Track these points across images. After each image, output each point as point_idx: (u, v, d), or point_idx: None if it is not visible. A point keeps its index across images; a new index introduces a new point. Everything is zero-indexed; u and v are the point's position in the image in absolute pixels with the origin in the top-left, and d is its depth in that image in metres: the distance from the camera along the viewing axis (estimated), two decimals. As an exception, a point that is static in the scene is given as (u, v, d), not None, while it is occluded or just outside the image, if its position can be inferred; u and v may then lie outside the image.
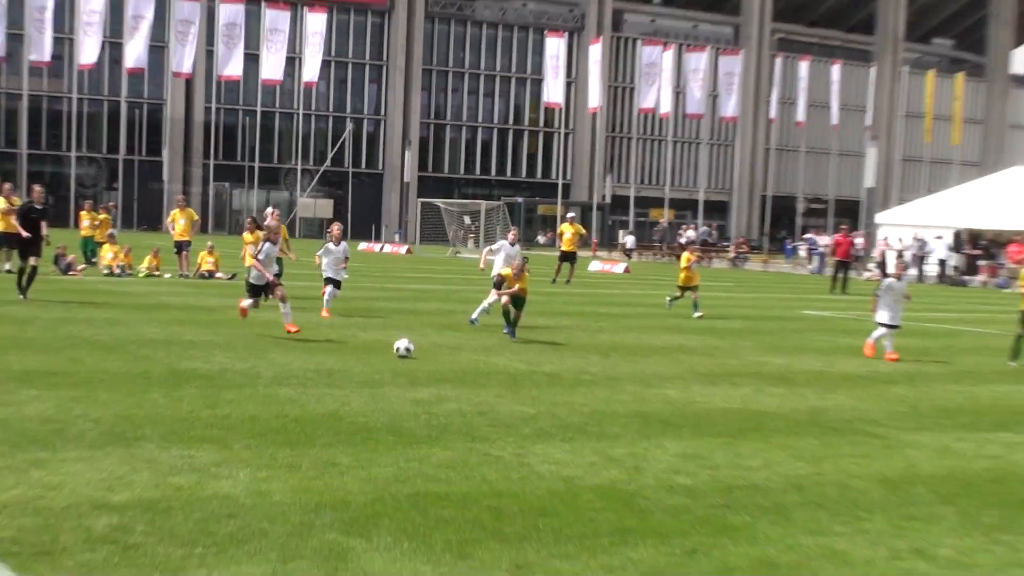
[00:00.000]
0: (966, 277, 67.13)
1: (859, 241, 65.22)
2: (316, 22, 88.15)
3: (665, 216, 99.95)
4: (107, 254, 39.54)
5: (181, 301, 29.75)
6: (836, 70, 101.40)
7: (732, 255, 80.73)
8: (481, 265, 30.05)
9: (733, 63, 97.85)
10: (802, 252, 79.48)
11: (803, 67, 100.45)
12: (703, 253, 38.57)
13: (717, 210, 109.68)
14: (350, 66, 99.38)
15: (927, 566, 9.35)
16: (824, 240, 73.50)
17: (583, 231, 52.85)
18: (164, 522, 9.40)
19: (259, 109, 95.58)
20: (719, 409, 16.77)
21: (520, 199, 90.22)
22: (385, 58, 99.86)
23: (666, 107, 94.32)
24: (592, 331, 26.48)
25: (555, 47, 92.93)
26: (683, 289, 32.14)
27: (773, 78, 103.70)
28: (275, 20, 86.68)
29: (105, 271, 38.53)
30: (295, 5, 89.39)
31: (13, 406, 14.07)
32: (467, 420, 14.69)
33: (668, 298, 33.18)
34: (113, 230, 42.36)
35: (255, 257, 23.01)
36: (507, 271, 23.45)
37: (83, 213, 43.70)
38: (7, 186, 38.99)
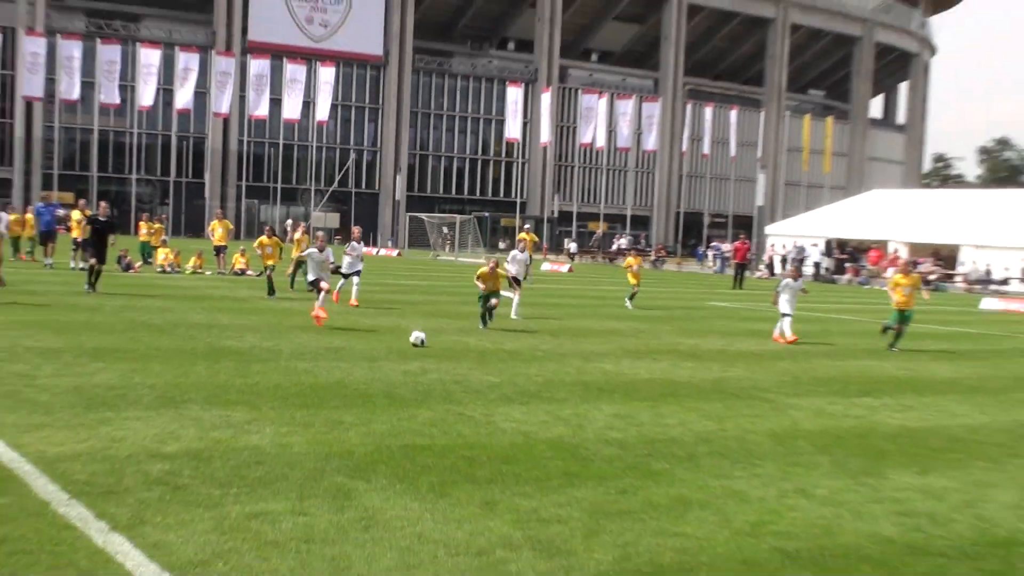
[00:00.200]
0: (835, 276, 67.35)
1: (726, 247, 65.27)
2: (326, 74, 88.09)
3: (600, 227, 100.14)
4: (160, 255, 39.53)
5: (219, 293, 29.61)
6: (734, 114, 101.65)
7: (653, 258, 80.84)
8: (512, 272, 28.65)
9: (653, 108, 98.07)
10: (710, 256, 79.48)
11: (708, 112, 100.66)
12: (641, 256, 38.00)
13: (641, 223, 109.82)
14: (353, 109, 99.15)
15: (807, 502, 9.35)
16: (726, 247, 73.63)
17: (536, 239, 52.88)
18: (206, 468, 9.35)
19: (281, 142, 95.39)
20: (643, 379, 16.76)
21: (487, 214, 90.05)
22: (381, 102, 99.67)
23: (601, 142, 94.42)
24: (544, 318, 26.45)
25: (514, 95, 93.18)
26: (634, 286, 31.72)
27: (684, 120, 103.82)
28: (294, 72, 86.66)
29: (158, 269, 38.43)
30: (309, 60, 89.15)
31: (85, 376, 13.99)
32: (446, 387, 14.66)
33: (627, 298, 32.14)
34: (165, 236, 42.20)
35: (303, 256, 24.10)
36: (484, 270, 23.00)
37: (141, 223, 43.74)
38: (81, 202, 39.12)
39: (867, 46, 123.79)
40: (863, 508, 9.25)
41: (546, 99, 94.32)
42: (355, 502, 8.51)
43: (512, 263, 27.92)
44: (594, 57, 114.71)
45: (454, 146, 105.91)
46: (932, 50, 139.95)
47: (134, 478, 8.89)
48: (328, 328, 21.68)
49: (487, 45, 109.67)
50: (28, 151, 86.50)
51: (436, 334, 21.47)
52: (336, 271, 26.12)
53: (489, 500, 8.80)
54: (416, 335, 19.09)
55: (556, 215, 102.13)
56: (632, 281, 31.62)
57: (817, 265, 68.14)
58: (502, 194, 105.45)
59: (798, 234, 75.43)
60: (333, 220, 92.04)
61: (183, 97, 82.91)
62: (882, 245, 68.24)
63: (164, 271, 38.13)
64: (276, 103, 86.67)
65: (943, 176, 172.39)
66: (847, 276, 66.47)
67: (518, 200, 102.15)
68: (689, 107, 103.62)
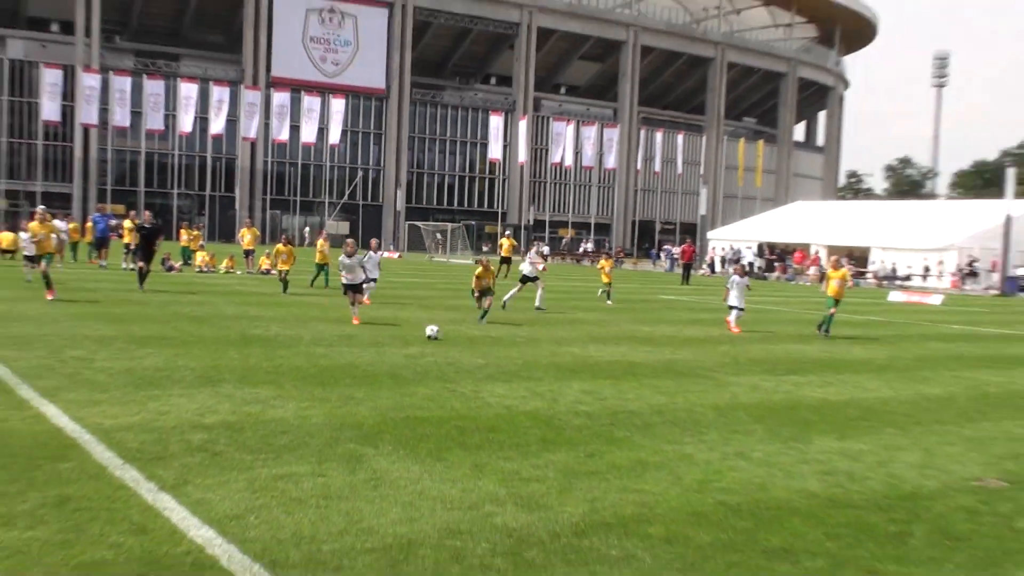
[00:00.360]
0: (767, 274, 67.54)
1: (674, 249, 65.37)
2: (337, 104, 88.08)
3: (569, 233, 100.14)
4: (198, 258, 39.48)
5: (248, 290, 29.52)
6: (680, 138, 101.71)
7: (614, 259, 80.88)
8: (525, 272, 27.77)
9: (612, 133, 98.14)
10: (662, 256, 79.34)
11: (658, 136, 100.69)
12: (612, 259, 37.83)
13: (603, 229, 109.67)
14: (360, 134, 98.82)
15: (746, 463, 9.36)
16: (675, 249, 73.71)
17: (515, 243, 52.84)
18: (239, 437, 9.33)
19: (300, 162, 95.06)
20: (607, 361, 16.76)
21: (473, 222, 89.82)
22: (383, 128, 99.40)
23: (569, 161, 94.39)
24: (522, 310, 26.44)
25: (496, 122, 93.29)
26: (608, 283, 31.31)
27: (639, 143, 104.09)
28: (311, 103, 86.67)
29: (197, 270, 38.33)
30: (323, 93, 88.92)
31: (136, 360, 13.93)
32: (441, 369, 14.63)
33: (600, 291, 31.80)
34: (203, 242, 42.11)
35: (339, 270, 22.03)
36: (479, 270, 22.66)
37: (182, 231, 43.63)
38: (132, 213, 39.17)
39: (791, 81, 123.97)
40: (793, 468, 9.27)
41: (523, 126, 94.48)
42: (365, 465, 8.50)
43: (526, 262, 27.93)
44: (563, 90, 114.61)
45: (445, 165, 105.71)
46: (845, 84, 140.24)
47: (178, 446, 8.88)
48: (339, 319, 21.64)
49: (473, 80, 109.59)
50: (85, 170, 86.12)
51: (432, 323, 21.44)
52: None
53: (478, 463, 8.79)
54: (431, 328, 18.67)
55: (531, 223, 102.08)
56: (605, 280, 31.47)
57: (751, 264, 68.32)
58: (486, 205, 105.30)
59: (735, 238, 75.68)
60: (344, 228, 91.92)
61: (217, 124, 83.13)
62: (805, 247, 68.48)
63: (201, 271, 38.04)
64: (295, 129, 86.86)
65: (855, 190, 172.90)
66: (776, 273, 66.68)
67: (499, 210, 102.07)
68: (643, 132, 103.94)
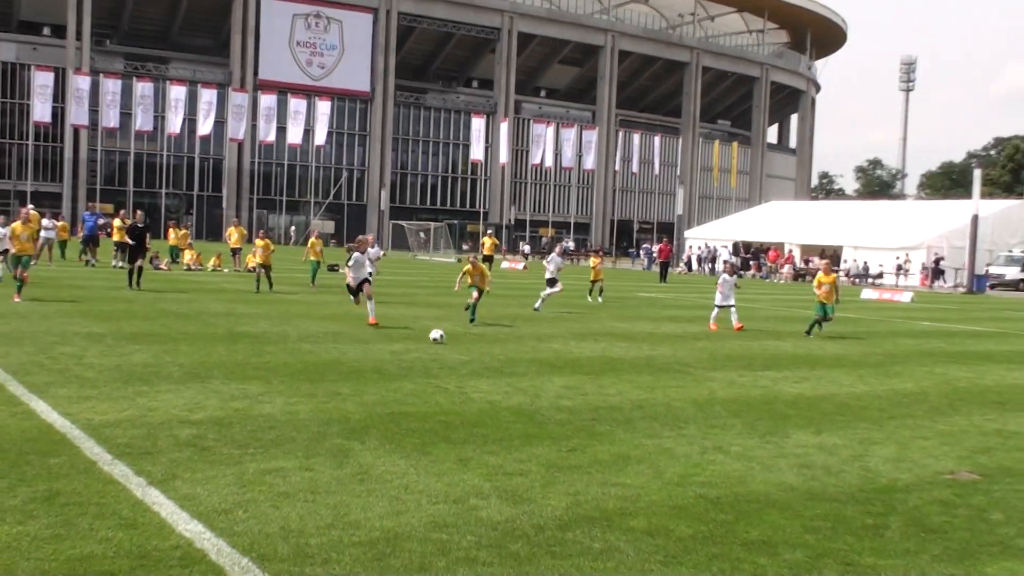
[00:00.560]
0: (741, 272, 67.64)
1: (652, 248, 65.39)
2: (324, 107, 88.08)
3: (549, 232, 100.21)
4: (186, 256, 39.28)
5: (235, 287, 29.36)
6: (657, 140, 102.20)
7: (602, 258, 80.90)
8: (547, 275, 26.93)
9: (591, 135, 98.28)
10: (643, 255, 79.26)
11: (636, 138, 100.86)
12: (600, 257, 36.73)
13: (582, 229, 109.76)
14: (345, 135, 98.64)
15: (725, 457, 9.32)
16: (653, 248, 73.84)
17: (497, 242, 52.91)
18: (227, 432, 9.24)
19: (286, 162, 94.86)
20: (587, 356, 16.72)
21: (456, 221, 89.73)
22: (368, 130, 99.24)
23: (549, 162, 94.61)
24: (503, 306, 26.39)
25: (478, 124, 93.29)
26: (593, 282, 30.59)
27: (617, 145, 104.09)
28: (297, 105, 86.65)
29: (184, 268, 38.15)
30: (309, 96, 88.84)
31: (124, 356, 13.82)
32: (425, 364, 14.57)
33: (591, 290, 30.92)
34: (191, 240, 41.93)
35: (347, 264, 20.69)
36: (467, 267, 21.74)
37: (170, 229, 43.44)
38: (121, 212, 38.82)
39: (764, 85, 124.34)
40: (770, 462, 9.24)
41: (504, 128, 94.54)
42: (352, 459, 8.43)
43: (551, 263, 27.50)
44: (543, 93, 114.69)
45: (428, 166, 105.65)
46: (817, 87, 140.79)
47: (167, 441, 8.78)
48: (326, 316, 21.54)
49: (455, 84, 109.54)
50: (75, 170, 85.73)
51: (415, 320, 21.37)
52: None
53: (463, 457, 8.73)
54: (436, 332, 17.54)
55: (513, 222, 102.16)
56: (593, 277, 30.80)
57: (725, 263, 68.36)
58: (468, 205, 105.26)
59: (711, 237, 75.85)
60: (329, 227, 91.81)
61: (205, 126, 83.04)
62: (779, 246, 68.68)
63: (189, 269, 37.88)
64: (282, 130, 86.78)
65: (827, 190, 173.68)
66: (751, 272, 66.79)
67: (481, 210, 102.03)
68: (620, 134, 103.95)
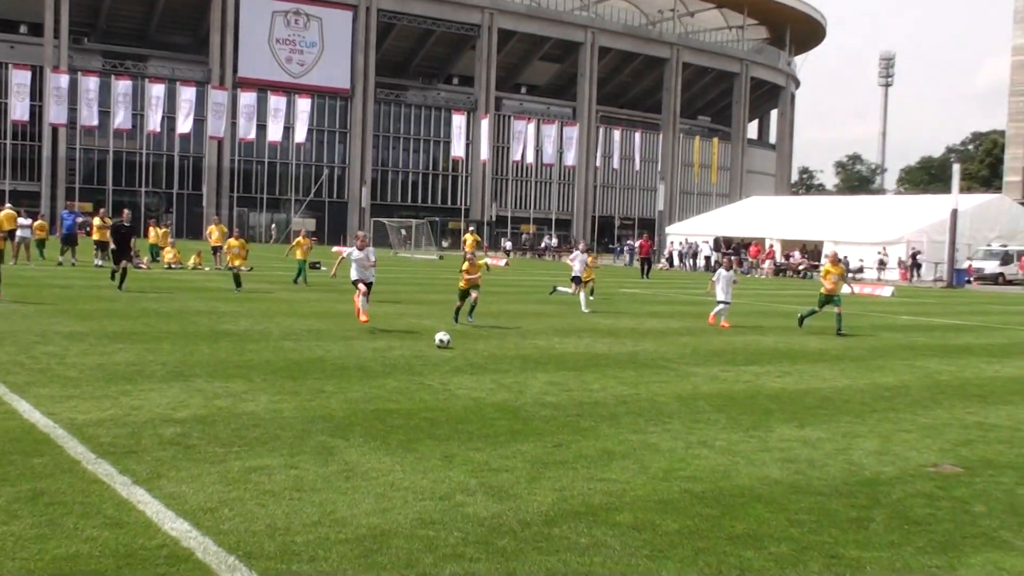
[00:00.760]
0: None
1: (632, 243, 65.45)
2: (304, 104, 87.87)
3: (531, 229, 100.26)
4: (167, 255, 39.11)
5: (216, 285, 29.25)
6: (637, 136, 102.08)
7: (595, 255, 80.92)
8: (574, 272, 26.83)
9: (572, 131, 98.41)
10: (625, 251, 79.13)
11: (616, 134, 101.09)
12: (592, 253, 34.39)
13: (564, 225, 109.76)
14: (325, 132, 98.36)
15: (709, 452, 9.35)
16: (635, 244, 73.91)
17: (479, 238, 52.90)
18: (211, 430, 9.21)
19: (266, 160, 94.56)
20: (570, 352, 16.74)
21: (437, 218, 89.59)
22: (349, 127, 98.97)
23: (530, 159, 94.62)
24: (485, 303, 26.36)
25: (459, 121, 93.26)
26: (584, 281, 28.08)
27: (598, 141, 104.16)
28: (277, 103, 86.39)
29: (165, 266, 37.99)
30: (289, 93, 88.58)
31: (107, 355, 13.76)
32: (408, 361, 14.55)
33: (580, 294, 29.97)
34: (172, 239, 41.75)
35: (347, 257, 19.53)
36: (465, 265, 20.73)
37: (151, 228, 43.22)
38: (101, 211, 38.53)
39: (744, 80, 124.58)
40: (755, 456, 9.27)
41: (485, 124, 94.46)
42: (337, 457, 8.41)
43: (575, 262, 27.22)
44: (523, 90, 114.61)
45: (409, 163, 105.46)
46: (796, 83, 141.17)
47: (151, 440, 8.75)
48: (308, 313, 21.50)
49: (436, 80, 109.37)
50: (54, 168, 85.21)
51: (398, 317, 21.36)
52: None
53: (448, 454, 8.72)
54: (441, 336, 16.70)
55: (494, 219, 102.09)
56: (586, 275, 29.83)
57: (707, 258, 68.60)
58: (449, 202, 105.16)
59: (692, 233, 75.99)
60: (310, 225, 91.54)
61: (184, 124, 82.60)
62: (760, 242, 68.88)
63: (170, 267, 37.74)
64: (262, 128, 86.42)
65: (807, 185, 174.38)
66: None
67: (462, 207, 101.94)
68: (601, 130, 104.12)
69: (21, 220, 35.99)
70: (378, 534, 6.35)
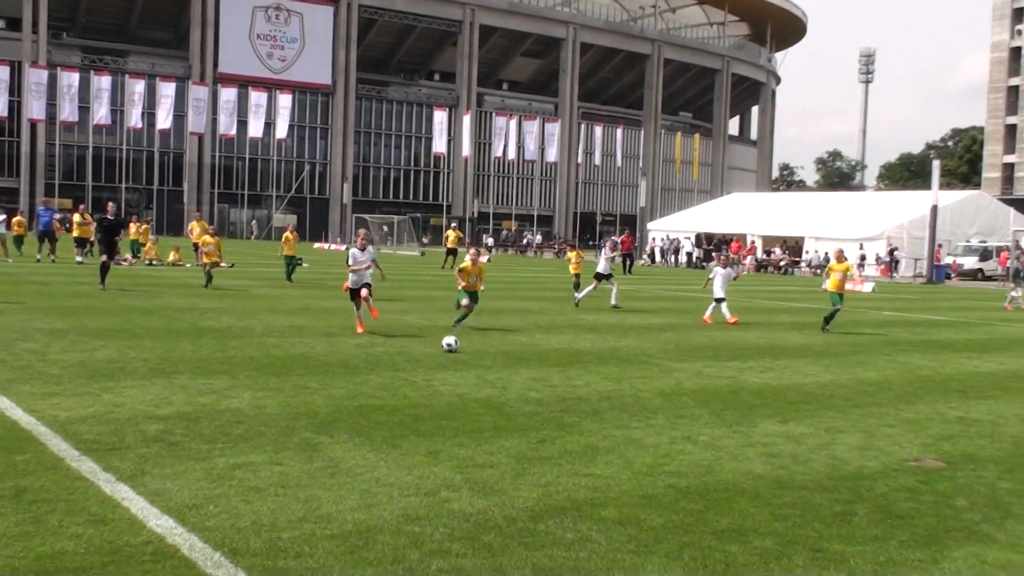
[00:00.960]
0: (704, 263, 67.94)
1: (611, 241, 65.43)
2: (285, 100, 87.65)
3: (513, 226, 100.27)
4: (149, 251, 38.94)
5: (197, 282, 29.09)
6: (619, 132, 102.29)
7: (556, 250, 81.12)
8: (600, 269, 26.86)
9: (553, 127, 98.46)
10: (607, 248, 79.09)
11: (598, 130, 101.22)
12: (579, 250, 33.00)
13: (546, 222, 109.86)
14: (307, 128, 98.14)
15: (693, 447, 9.38)
16: (617, 240, 73.96)
17: (461, 235, 52.80)
18: (195, 427, 9.19)
19: (247, 156, 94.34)
20: (553, 348, 16.75)
21: (419, 215, 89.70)
22: (330, 123, 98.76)
23: (511, 155, 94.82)
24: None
25: (440, 117, 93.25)
26: (577, 276, 28.52)
27: (579, 137, 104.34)
28: (258, 99, 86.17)
29: (146, 262, 37.83)
30: (270, 89, 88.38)
31: (88, 352, 13.70)
32: (392, 357, 14.55)
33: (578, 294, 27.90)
34: (153, 236, 41.55)
35: (346, 263, 18.30)
36: (466, 264, 19.42)
37: (131, 224, 42.93)
38: (81, 207, 38.28)
39: (725, 77, 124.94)
40: (738, 451, 9.30)
41: (466, 120, 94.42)
42: (322, 453, 8.41)
43: (602, 259, 27.23)
44: (505, 86, 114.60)
45: (391, 159, 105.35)
46: (777, 80, 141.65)
47: (134, 436, 8.72)
48: (290, 310, 21.45)
49: (417, 76, 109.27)
50: (32, 164, 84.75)
51: (381, 313, 21.30)
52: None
53: (433, 450, 8.73)
54: (448, 341, 15.93)
55: (476, 215, 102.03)
56: (573, 270, 29.13)
57: (689, 254, 68.76)
58: (431, 198, 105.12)
59: (674, 229, 76.11)
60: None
61: (164, 119, 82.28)
62: (741, 237, 69.06)
63: (151, 263, 37.60)
64: (243, 124, 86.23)
65: (788, 182, 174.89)
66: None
67: (444, 203, 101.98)
68: (583, 127, 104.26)
69: None
70: (364, 530, 6.35)
